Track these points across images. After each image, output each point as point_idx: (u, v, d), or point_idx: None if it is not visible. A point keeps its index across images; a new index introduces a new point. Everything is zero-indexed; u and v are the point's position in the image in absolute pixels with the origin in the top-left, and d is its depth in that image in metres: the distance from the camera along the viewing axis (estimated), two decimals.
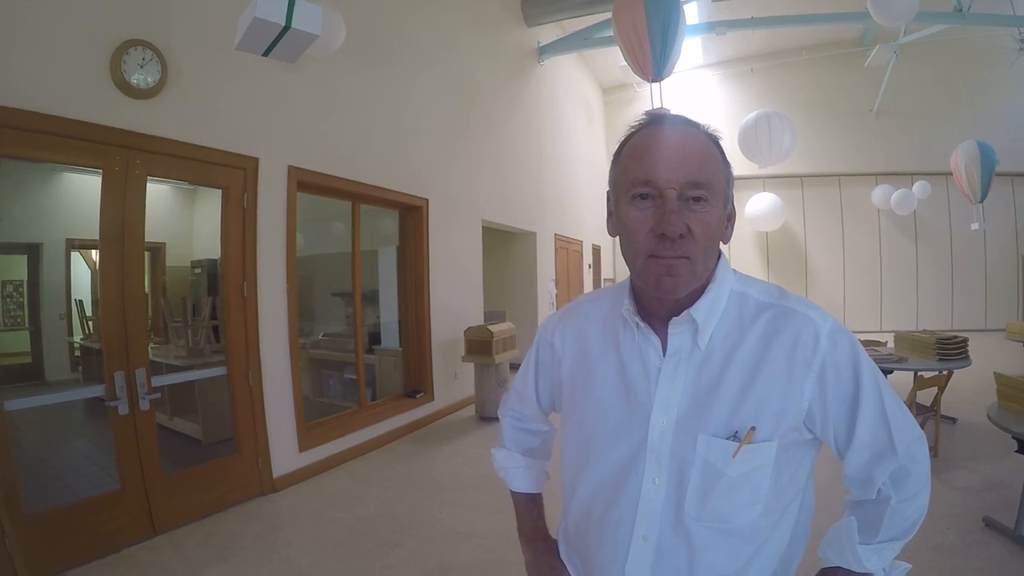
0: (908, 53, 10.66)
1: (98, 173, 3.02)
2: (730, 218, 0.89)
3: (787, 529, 0.90)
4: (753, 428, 0.82)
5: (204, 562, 2.95)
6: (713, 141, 0.86)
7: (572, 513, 1.02)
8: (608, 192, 0.93)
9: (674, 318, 0.87)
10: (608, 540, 0.92)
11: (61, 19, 2.78)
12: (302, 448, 4.17)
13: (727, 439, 0.82)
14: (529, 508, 1.23)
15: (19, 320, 5.92)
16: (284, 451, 4.02)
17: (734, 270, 0.93)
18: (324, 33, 2.76)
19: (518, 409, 1.22)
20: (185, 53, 3.35)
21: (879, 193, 11.70)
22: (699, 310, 0.85)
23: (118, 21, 3.01)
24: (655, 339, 0.89)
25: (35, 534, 2.69)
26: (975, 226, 9.80)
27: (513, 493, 1.24)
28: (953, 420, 4.99)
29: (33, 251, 5.68)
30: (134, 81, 3.06)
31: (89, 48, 2.90)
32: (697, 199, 0.80)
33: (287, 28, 2.31)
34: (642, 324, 0.90)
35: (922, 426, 4.01)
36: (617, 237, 0.89)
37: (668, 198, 0.79)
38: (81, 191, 5.04)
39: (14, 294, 5.86)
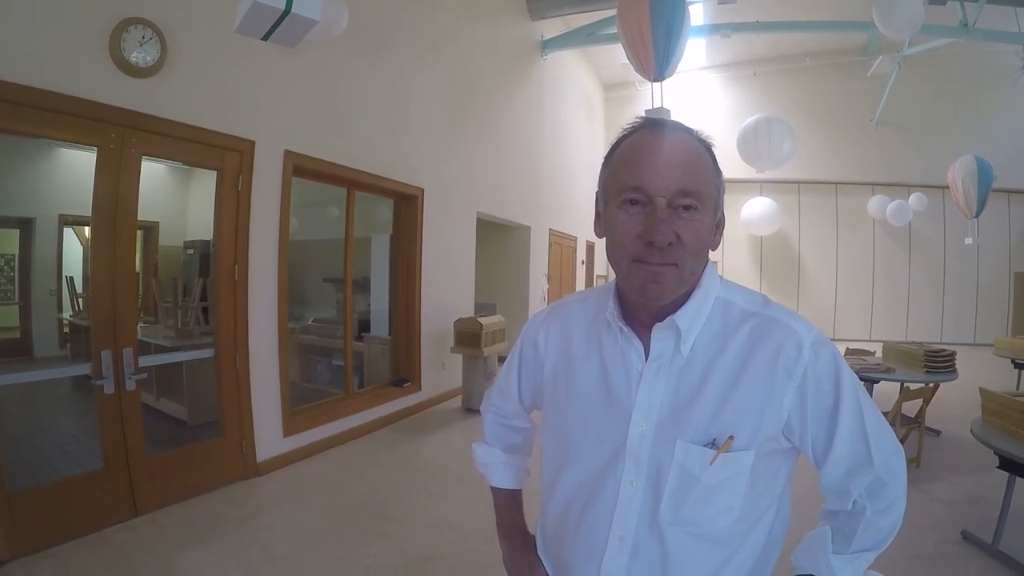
0: (911, 65, 10.70)
1: (93, 150, 2.99)
2: (719, 225, 0.88)
3: (762, 535, 0.90)
4: (731, 437, 0.82)
5: (185, 544, 2.94)
6: (706, 148, 0.85)
7: (550, 511, 1.02)
8: (597, 193, 0.92)
9: (657, 324, 0.86)
10: (585, 539, 0.92)
11: None
12: (287, 433, 4.17)
13: (705, 446, 0.82)
14: (508, 503, 1.24)
15: (9, 294, 5.90)
16: (269, 436, 4.01)
17: (720, 277, 0.93)
18: (325, 18, 2.75)
19: (500, 406, 1.22)
20: (186, 33, 3.32)
21: (875, 203, 11.76)
22: (683, 317, 0.85)
23: None
24: (637, 343, 0.89)
25: (16, 511, 2.67)
26: (969, 240, 9.86)
27: (493, 488, 1.25)
28: (937, 432, 5.02)
29: (26, 226, 5.64)
30: (133, 59, 3.02)
31: (89, 24, 2.86)
32: (687, 207, 0.79)
33: (287, 13, 2.30)
34: (625, 328, 0.90)
35: (906, 437, 4.07)
36: (604, 239, 0.89)
37: (658, 206, 0.78)
38: (76, 167, 5.01)
39: (5, 268, 5.83)
